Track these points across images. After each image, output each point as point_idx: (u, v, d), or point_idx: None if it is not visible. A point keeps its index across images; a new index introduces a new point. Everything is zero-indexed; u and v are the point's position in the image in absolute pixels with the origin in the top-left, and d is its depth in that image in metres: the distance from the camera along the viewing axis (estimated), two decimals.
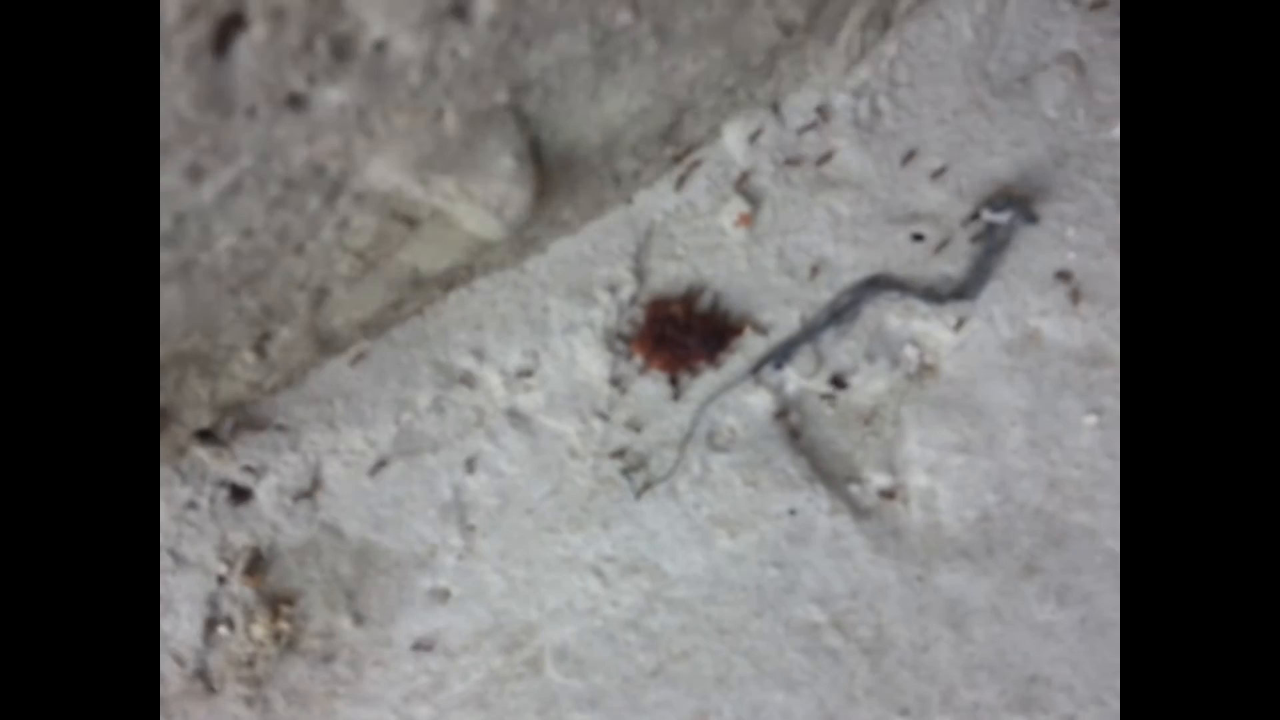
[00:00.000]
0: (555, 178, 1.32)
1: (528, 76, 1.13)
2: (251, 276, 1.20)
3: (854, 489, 1.56)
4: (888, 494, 1.55)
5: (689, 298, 1.56)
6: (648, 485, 1.54)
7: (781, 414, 1.57)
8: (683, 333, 1.54)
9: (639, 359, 1.54)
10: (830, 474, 1.56)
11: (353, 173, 1.11)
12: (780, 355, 1.55)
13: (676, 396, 1.55)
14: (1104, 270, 1.55)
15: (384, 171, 1.12)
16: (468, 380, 1.56)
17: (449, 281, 1.46)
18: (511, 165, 1.20)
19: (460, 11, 1.00)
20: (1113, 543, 1.50)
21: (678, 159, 1.53)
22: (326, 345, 1.44)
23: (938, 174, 1.58)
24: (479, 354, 1.56)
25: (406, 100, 1.05)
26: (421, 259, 1.32)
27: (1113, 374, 1.53)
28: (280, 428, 1.56)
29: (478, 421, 1.56)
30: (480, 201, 1.22)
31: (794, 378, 1.56)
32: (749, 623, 1.52)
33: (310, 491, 1.54)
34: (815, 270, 1.56)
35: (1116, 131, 1.57)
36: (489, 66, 1.08)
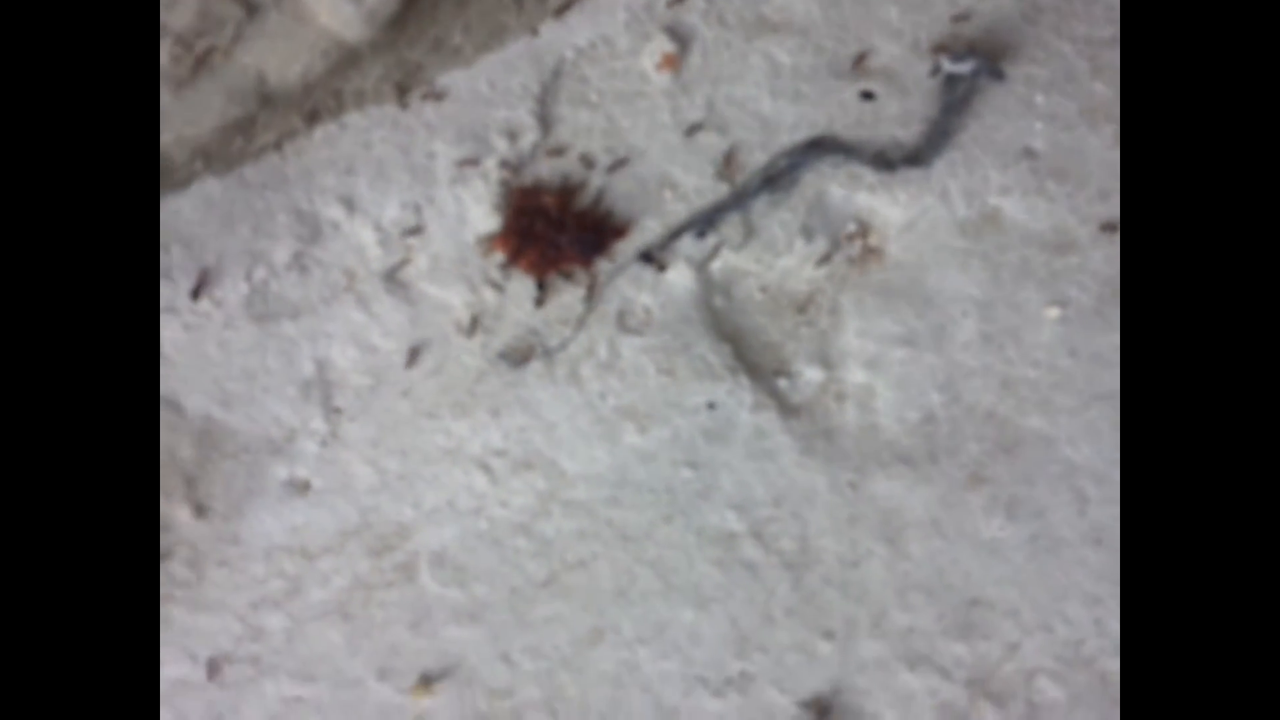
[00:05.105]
0: None
1: None
2: None
3: (782, 383, 1.30)
4: (821, 389, 1.30)
5: (566, 189, 1.28)
6: (524, 360, 1.25)
7: (704, 295, 1.30)
8: (555, 230, 1.25)
9: (500, 256, 1.26)
10: (756, 365, 1.30)
11: None
12: (704, 222, 1.28)
13: (542, 303, 1.27)
14: (1075, 144, 1.30)
15: None
16: (335, 234, 1.27)
17: (311, 110, 1.17)
18: None
19: None
20: (1070, 452, 1.27)
21: None
22: None
23: (892, 23, 1.31)
24: (349, 203, 1.27)
25: None
26: (268, 62, 1.03)
27: (1079, 261, 1.29)
28: None
29: (347, 286, 1.27)
30: None
31: (721, 253, 1.30)
32: (656, 530, 1.27)
33: None
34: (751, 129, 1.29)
35: None
36: None
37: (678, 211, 1.30)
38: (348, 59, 1.08)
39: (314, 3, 0.96)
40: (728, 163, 1.29)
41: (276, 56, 1.03)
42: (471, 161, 1.24)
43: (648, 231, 1.29)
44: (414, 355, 1.25)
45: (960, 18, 1.29)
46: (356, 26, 0.98)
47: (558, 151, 1.27)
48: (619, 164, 1.28)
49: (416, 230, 1.27)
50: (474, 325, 1.27)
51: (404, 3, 1.00)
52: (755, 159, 1.30)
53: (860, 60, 1.30)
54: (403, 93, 1.22)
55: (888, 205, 1.30)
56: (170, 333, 1.25)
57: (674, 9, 1.29)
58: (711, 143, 1.30)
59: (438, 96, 1.23)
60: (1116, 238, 1.28)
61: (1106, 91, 1.30)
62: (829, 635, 1.25)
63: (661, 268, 1.27)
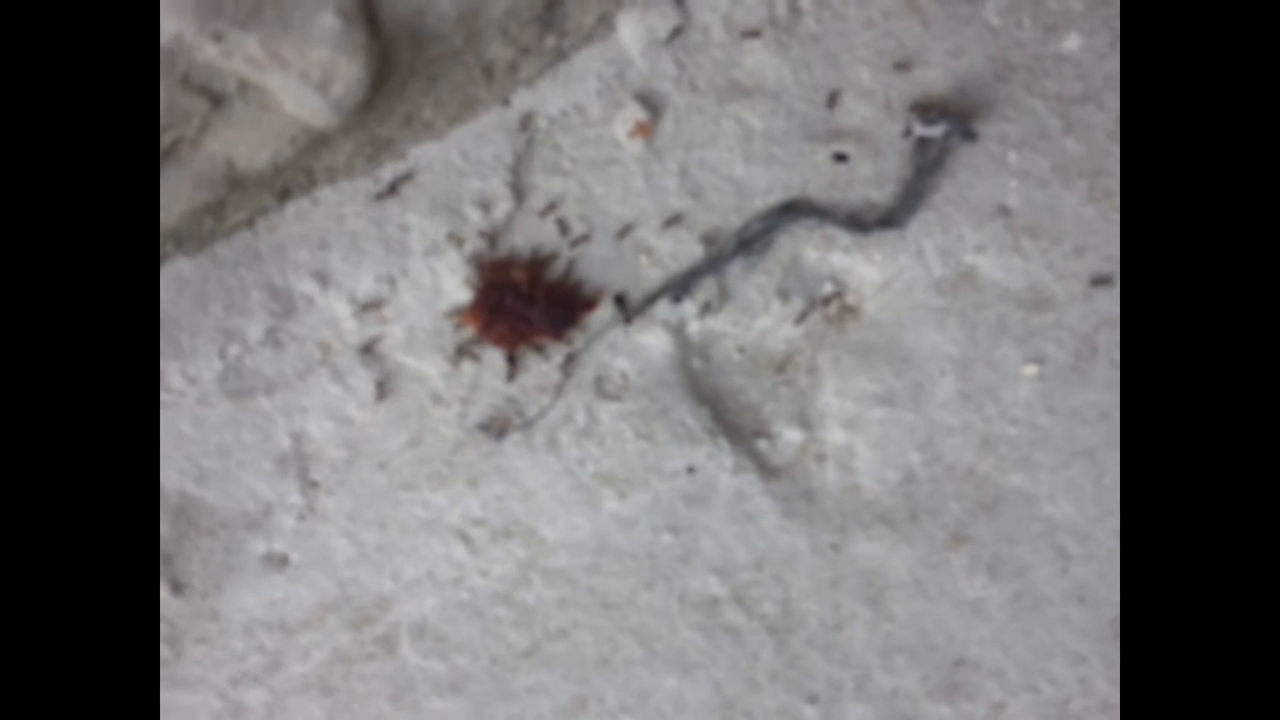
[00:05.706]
0: (402, 55, 1.03)
1: None
2: None
3: (762, 445, 1.30)
4: (801, 451, 1.29)
5: (537, 261, 1.27)
6: (503, 432, 1.25)
7: (682, 359, 1.30)
8: (525, 304, 1.24)
9: (470, 331, 1.25)
10: (736, 427, 1.30)
11: None
12: (679, 287, 1.27)
13: (513, 377, 1.26)
14: (1049, 201, 1.30)
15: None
16: (310, 309, 1.26)
17: (283, 188, 1.16)
18: (335, 26, 0.91)
19: None
20: (1051, 509, 1.27)
21: (562, 54, 1.24)
22: None
23: (863, 84, 1.31)
24: (323, 278, 1.26)
25: None
26: (237, 150, 1.02)
27: (1055, 318, 1.29)
28: None
29: (322, 359, 1.26)
30: (298, 72, 0.93)
31: (696, 316, 1.29)
32: (638, 596, 1.26)
33: None
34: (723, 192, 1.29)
35: (1067, 43, 1.32)
36: None
37: (653, 277, 1.29)
38: (318, 142, 1.08)
39: (280, 94, 0.94)
40: (674, 219, 1.29)
41: (244, 145, 1.02)
42: (457, 238, 1.24)
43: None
44: (381, 389, 1.24)
45: (901, 65, 1.29)
46: (324, 115, 0.97)
47: (532, 219, 1.26)
48: (591, 232, 1.28)
49: (391, 302, 1.26)
50: (450, 393, 1.26)
51: (371, 88, 0.99)
52: (730, 223, 1.30)
53: (833, 100, 1.29)
54: (376, 166, 1.22)
55: (863, 265, 1.30)
56: None
57: (647, 77, 1.29)
58: (684, 208, 1.29)
59: (407, 177, 1.23)
60: (1100, 292, 1.28)
61: (1079, 148, 1.30)
62: (813, 699, 1.24)
63: (628, 319, 1.27)
